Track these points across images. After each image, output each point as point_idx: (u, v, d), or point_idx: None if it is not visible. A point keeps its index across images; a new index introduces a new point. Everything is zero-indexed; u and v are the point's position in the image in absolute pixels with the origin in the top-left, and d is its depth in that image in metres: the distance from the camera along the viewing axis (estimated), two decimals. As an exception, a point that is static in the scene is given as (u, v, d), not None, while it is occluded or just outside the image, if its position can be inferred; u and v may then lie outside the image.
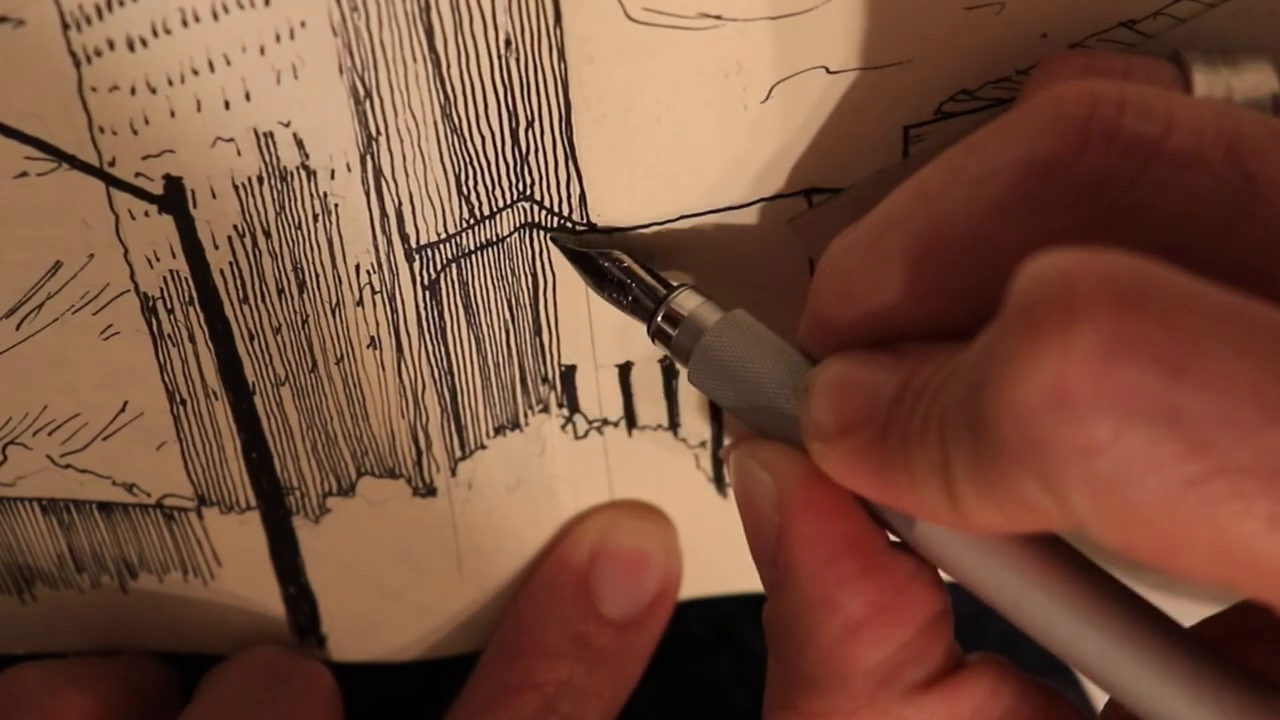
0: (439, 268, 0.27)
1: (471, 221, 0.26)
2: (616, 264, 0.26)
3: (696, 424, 0.30)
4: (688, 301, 0.25)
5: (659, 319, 0.25)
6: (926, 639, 0.22)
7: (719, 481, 0.31)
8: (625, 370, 0.29)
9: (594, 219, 0.26)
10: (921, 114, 0.25)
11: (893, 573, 0.22)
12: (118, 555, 0.30)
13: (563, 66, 0.24)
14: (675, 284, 0.25)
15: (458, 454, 0.29)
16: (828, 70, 0.25)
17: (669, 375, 0.29)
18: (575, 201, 0.26)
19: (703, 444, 0.30)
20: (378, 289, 0.26)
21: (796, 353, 0.23)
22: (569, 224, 0.26)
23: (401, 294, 0.27)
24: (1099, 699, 0.23)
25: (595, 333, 0.28)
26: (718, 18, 0.24)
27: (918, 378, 0.20)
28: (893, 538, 0.23)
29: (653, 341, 0.26)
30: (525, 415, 0.29)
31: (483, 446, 0.29)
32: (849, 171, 0.26)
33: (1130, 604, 0.21)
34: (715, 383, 0.24)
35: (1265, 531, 0.16)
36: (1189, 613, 0.22)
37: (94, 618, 0.31)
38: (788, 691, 0.23)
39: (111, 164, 0.24)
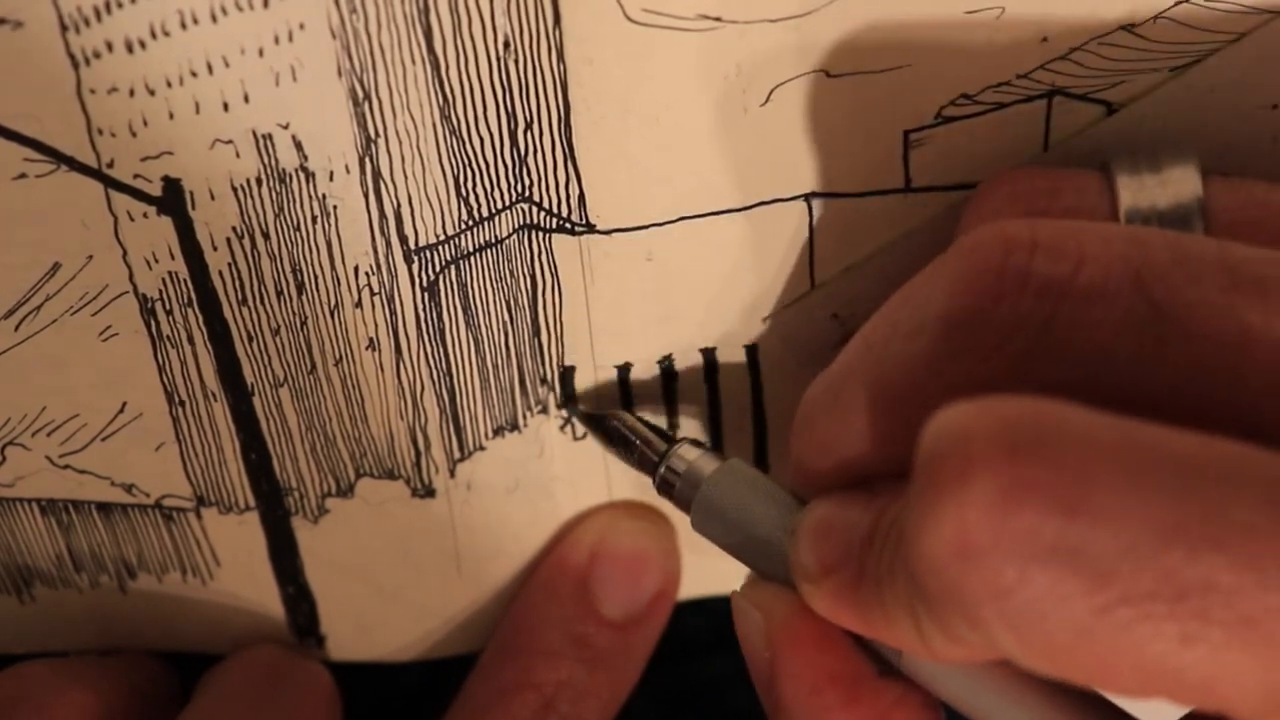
0: (438, 269, 0.27)
1: (470, 223, 0.26)
2: (622, 423, 0.28)
3: (694, 426, 0.30)
4: (687, 454, 0.27)
5: (661, 472, 0.27)
6: None
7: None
8: (624, 371, 0.29)
9: (593, 220, 0.26)
10: (922, 118, 0.25)
11: (875, 700, 0.23)
12: (116, 555, 0.30)
13: (562, 68, 0.24)
14: (677, 438, 0.27)
15: (456, 455, 0.29)
16: (828, 74, 0.24)
17: (667, 377, 0.29)
18: (574, 202, 0.26)
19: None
20: (376, 291, 0.26)
21: (789, 496, 0.25)
22: (568, 225, 0.26)
23: (400, 296, 0.27)
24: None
25: (595, 334, 0.28)
26: (717, 19, 0.24)
27: (885, 518, 0.21)
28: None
29: (658, 493, 0.27)
30: (524, 416, 0.29)
31: (481, 448, 0.29)
32: (849, 175, 0.26)
33: (1108, 716, 0.21)
34: (715, 529, 0.26)
35: (1179, 650, 0.17)
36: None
37: (93, 618, 0.31)
38: None
39: (110, 165, 0.24)
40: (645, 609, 0.30)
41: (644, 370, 0.29)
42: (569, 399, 0.29)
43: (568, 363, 0.29)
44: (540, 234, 0.27)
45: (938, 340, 0.20)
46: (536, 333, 0.28)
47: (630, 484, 0.31)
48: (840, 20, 0.24)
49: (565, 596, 0.30)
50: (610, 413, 0.28)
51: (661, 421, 0.30)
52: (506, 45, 0.24)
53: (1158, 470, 0.17)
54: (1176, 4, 0.24)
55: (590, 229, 0.26)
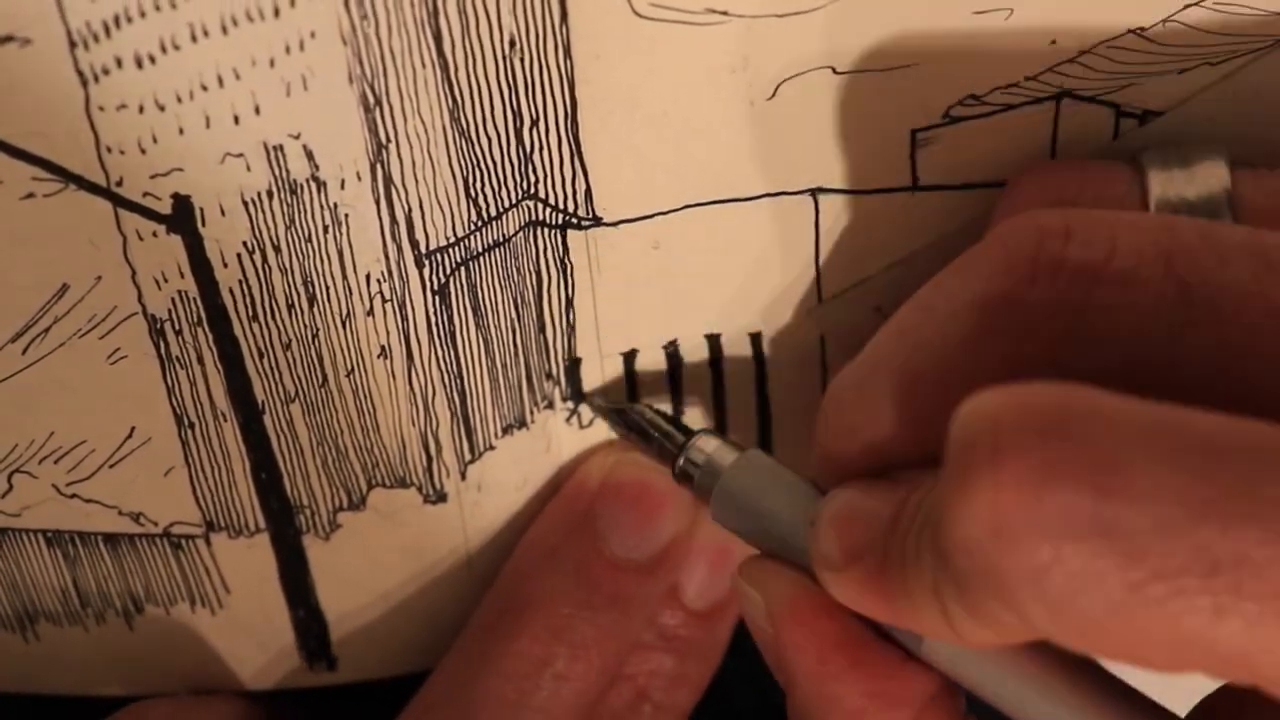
0: (448, 272, 0.27)
1: (479, 223, 0.26)
2: (640, 416, 0.28)
3: (700, 413, 0.30)
4: (705, 445, 0.27)
5: (680, 463, 0.27)
6: (933, 716, 0.23)
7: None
8: (630, 358, 0.29)
9: (599, 213, 0.27)
10: (929, 117, 0.26)
11: (882, 661, 0.23)
12: (123, 589, 0.30)
13: (568, 64, 0.25)
14: (695, 429, 0.27)
15: (467, 457, 0.29)
16: (835, 70, 0.25)
17: (673, 363, 0.29)
18: (580, 197, 0.26)
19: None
20: (388, 297, 0.26)
21: (808, 486, 0.25)
22: (574, 219, 0.27)
23: (412, 301, 0.27)
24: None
25: (601, 327, 0.28)
26: (724, 13, 0.24)
27: (910, 504, 0.21)
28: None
29: (678, 483, 0.27)
30: (531, 413, 0.29)
31: (491, 448, 0.29)
32: (856, 172, 0.27)
33: (1130, 700, 0.22)
34: (734, 519, 0.26)
35: (1212, 623, 0.17)
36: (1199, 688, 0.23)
37: (99, 658, 0.31)
38: None
39: (119, 184, 0.24)
40: (727, 597, 0.31)
41: (649, 356, 0.29)
42: (580, 394, 0.29)
43: (575, 354, 0.29)
44: (546, 230, 0.27)
45: (973, 323, 0.21)
46: (542, 328, 0.28)
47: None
48: (848, 17, 0.24)
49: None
50: (628, 405, 0.29)
51: (668, 407, 0.30)
52: (512, 44, 0.24)
53: (1188, 448, 0.18)
54: (1185, 7, 0.25)
55: (597, 222, 0.27)
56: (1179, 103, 0.26)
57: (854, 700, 0.23)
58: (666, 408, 0.30)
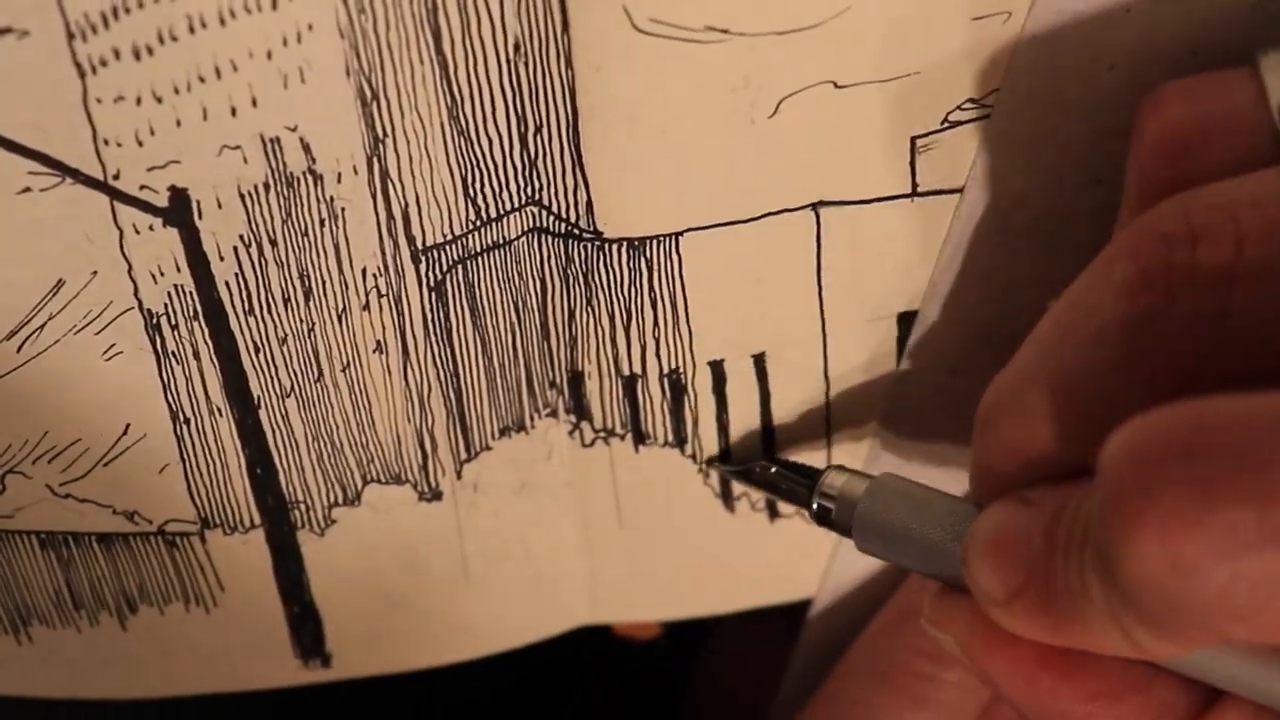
0: (445, 269, 0.27)
1: (478, 223, 0.26)
2: (765, 470, 0.29)
3: (704, 441, 0.30)
4: (835, 480, 0.27)
5: (815, 505, 0.27)
6: (1162, 694, 0.23)
7: (726, 497, 0.31)
8: (630, 383, 0.29)
9: (601, 227, 0.26)
10: (929, 123, 0.26)
11: (1090, 661, 0.23)
12: (117, 589, 0.30)
13: (570, 74, 0.24)
14: (820, 469, 0.27)
15: (463, 456, 0.29)
16: (836, 85, 0.25)
17: (676, 391, 0.29)
18: (582, 209, 0.26)
19: (710, 461, 0.30)
20: (384, 292, 0.26)
21: (945, 498, 0.25)
22: (576, 230, 0.27)
23: (408, 296, 0.27)
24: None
25: (603, 342, 0.28)
26: (725, 31, 0.24)
27: (1060, 527, 0.21)
28: None
29: (818, 524, 0.27)
30: (531, 418, 0.29)
31: (488, 448, 0.29)
32: (857, 183, 0.26)
33: None
34: (880, 547, 0.26)
35: None
36: None
37: (92, 660, 0.31)
38: None
39: (116, 177, 0.24)
40: None
41: (652, 383, 0.29)
42: (582, 409, 0.29)
43: (577, 368, 0.29)
44: (550, 238, 0.27)
45: (1121, 346, 0.21)
46: (546, 336, 0.28)
47: (639, 496, 0.31)
48: (848, 32, 0.24)
49: None
50: (753, 464, 0.30)
51: (669, 433, 0.30)
52: (517, 48, 0.24)
53: None
54: None
55: (598, 236, 0.27)
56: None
57: (1079, 707, 0.23)
58: (668, 428, 0.30)
